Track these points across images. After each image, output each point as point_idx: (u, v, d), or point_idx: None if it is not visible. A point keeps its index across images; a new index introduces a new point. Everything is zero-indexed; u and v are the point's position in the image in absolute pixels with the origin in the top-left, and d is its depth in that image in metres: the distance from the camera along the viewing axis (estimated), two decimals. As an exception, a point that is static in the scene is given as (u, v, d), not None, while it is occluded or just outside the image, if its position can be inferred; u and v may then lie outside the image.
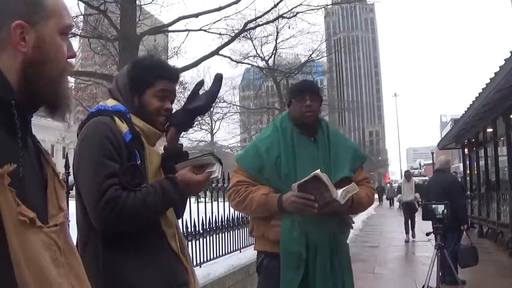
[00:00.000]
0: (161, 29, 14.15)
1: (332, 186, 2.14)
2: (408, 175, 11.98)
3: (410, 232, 10.98)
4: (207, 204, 4.31)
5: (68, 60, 1.01)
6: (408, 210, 11.13)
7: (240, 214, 5.06)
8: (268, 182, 2.29)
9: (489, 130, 11.10)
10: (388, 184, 40.19)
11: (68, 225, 1.04)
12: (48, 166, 1.01)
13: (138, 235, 1.49)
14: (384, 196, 35.44)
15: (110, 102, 1.63)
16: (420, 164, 54.13)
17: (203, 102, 1.72)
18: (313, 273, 2.19)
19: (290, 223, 2.20)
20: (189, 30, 13.21)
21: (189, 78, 29.28)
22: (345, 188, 2.18)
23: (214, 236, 4.59)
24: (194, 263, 4.19)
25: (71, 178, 1.91)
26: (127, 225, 1.46)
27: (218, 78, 1.80)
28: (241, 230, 5.22)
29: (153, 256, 1.53)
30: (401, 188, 12.39)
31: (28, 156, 0.93)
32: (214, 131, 30.90)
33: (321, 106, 2.55)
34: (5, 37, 0.92)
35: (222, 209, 4.65)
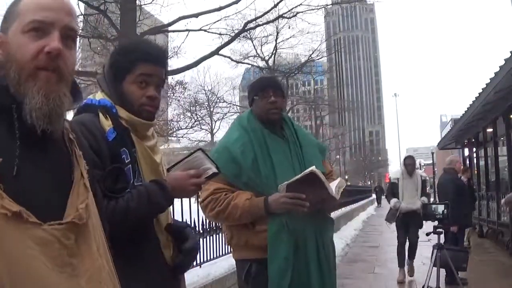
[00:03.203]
0: (161, 29, 14.15)
1: (327, 182, 2.10)
2: (409, 165, 6.48)
3: (407, 265, 6.54)
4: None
5: (47, 54, 0.96)
6: (406, 226, 6.42)
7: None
8: (246, 186, 2.17)
9: (489, 130, 11.10)
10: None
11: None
12: (77, 169, 1.02)
13: (130, 243, 1.38)
14: (383, 196, 34.87)
15: (98, 96, 1.53)
16: (420, 164, 54.09)
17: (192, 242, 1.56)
18: (306, 272, 2.13)
19: (278, 225, 2.11)
20: (189, 30, 13.21)
21: (189, 78, 29.32)
22: (336, 184, 2.17)
23: (214, 236, 4.59)
24: (194, 263, 4.18)
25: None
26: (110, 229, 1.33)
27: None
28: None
29: (143, 269, 1.42)
30: (397, 187, 6.45)
31: (38, 157, 0.95)
32: (214, 131, 30.88)
33: (285, 103, 2.43)
34: None
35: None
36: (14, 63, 0.96)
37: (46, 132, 0.96)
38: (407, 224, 6.38)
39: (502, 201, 3.71)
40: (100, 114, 1.44)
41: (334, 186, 2.13)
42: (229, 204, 2.12)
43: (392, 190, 6.57)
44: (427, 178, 7.22)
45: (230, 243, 2.32)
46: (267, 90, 2.27)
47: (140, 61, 1.48)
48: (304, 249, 2.13)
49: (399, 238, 6.55)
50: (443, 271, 5.08)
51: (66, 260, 0.91)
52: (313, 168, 2.07)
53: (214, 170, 1.55)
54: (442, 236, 4.94)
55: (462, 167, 7.90)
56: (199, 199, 2.32)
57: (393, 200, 6.44)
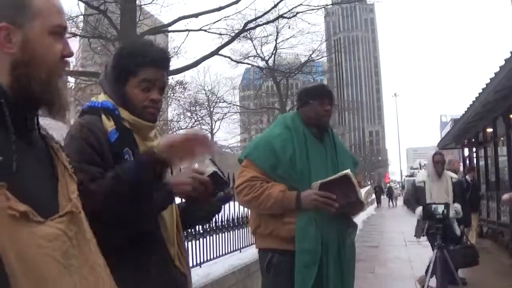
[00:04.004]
0: (161, 29, 14.17)
1: (358, 187, 2.22)
2: (438, 163, 5.36)
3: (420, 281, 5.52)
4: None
5: (63, 59, 1.01)
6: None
7: (240, 214, 5.06)
8: (281, 179, 2.29)
9: (489, 130, 11.10)
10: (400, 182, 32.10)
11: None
12: (58, 161, 1.02)
13: (135, 241, 1.39)
14: (383, 196, 34.81)
15: (101, 97, 1.54)
16: (420, 164, 54.10)
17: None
18: (326, 269, 2.22)
19: (307, 220, 2.23)
20: (189, 30, 13.23)
21: (189, 78, 29.29)
22: (366, 190, 2.25)
23: (214, 236, 4.59)
24: (194, 263, 4.18)
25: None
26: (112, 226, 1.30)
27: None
28: (241, 230, 5.22)
29: (148, 264, 1.43)
30: (422, 191, 5.35)
31: (30, 153, 0.95)
32: (214, 131, 30.89)
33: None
34: None
35: (222, 209, 4.64)
36: (44, 64, 0.97)
37: (31, 127, 0.99)
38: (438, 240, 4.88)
39: (506, 195, 3.65)
40: (103, 116, 1.47)
41: (363, 191, 2.22)
42: (264, 192, 2.25)
43: (417, 196, 5.36)
44: (460, 179, 6.31)
45: (255, 231, 2.42)
46: (325, 97, 2.43)
47: (145, 66, 1.49)
48: (327, 247, 2.23)
49: (433, 248, 5.07)
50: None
51: (74, 253, 0.92)
52: (347, 171, 2.21)
53: (214, 169, 1.52)
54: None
55: (461, 167, 7.88)
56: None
57: (419, 209, 5.06)
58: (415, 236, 5.56)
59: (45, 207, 0.90)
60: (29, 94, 0.96)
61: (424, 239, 5.56)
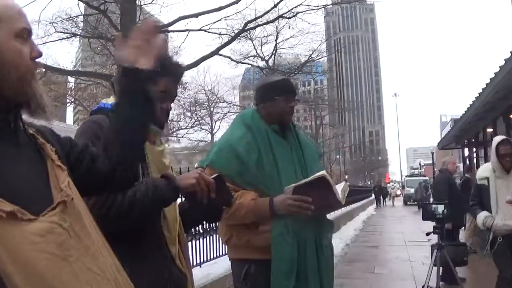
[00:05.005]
0: (161, 29, 14.13)
1: (335, 187, 2.11)
2: (506, 156, 3.71)
3: None
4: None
5: (33, 60, 1.03)
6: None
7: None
8: (249, 185, 2.14)
9: (489, 130, 11.10)
10: (423, 181, 28.62)
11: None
12: (46, 156, 1.04)
13: (137, 239, 1.42)
14: (387, 198, 34.17)
15: (110, 100, 1.60)
16: (420, 164, 54.13)
17: None
18: (305, 273, 2.13)
19: (283, 227, 2.10)
20: (189, 30, 13.22)
21: (189, 78, 29.26)
22: (342, 188, 2.18)
23: (214, 236, 4.59)
24: (194, 263, 4.19)
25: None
26: (116, 223, 1.35)
27: None
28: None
29: (148, 264, 1.45)
30: (486, 192, 3.84)
31: (17, 154, 0.97)
32: (214, 131, 30.89)
33: None
34: None
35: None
36: (14, 68, 0.99)
37: (15, 128, 1.01)
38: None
39: (509, 197, 3.55)
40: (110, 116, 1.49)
41: (339, 190, 2.14)
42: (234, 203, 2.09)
43: (480, 196, 4.01)
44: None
45: (228, 243, 2.29)
46: (291, 94, 2.30)
47: (165, 76, 1.56)
48: (304, 251, 2.13)
49: (502, 271, 3.77)
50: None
51: (72, 243, 0.92)
52: (323, 172, 2.08)
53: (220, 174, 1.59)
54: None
55: (456, 167, 7.88)
56: None
57: (482, 215, 3.88)
58: (480, 251, 4.33)
59: (38, 204, 0.91)
60: (3, 98, 0.98)
61: (425, 238, 5.56)
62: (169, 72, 1.57)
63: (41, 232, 0.87)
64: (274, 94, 2.26)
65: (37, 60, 1.04)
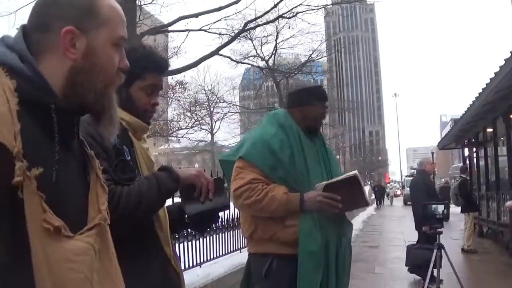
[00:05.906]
0: (161, 29, 14.14)
1: (364, 188, 2.23)
2: None
3: None
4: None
5: (118, 71, 0.99)
6: None
7: (240, 214, 5.05)
8: (280, 180, 2.22)
9: (489, 130, 11.10)
10: (444, 181, 27.14)
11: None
12: (92, 170, 1.00)
13: (132, 240, 1.40)
14: (386, 198, 34.13)
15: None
16: (420, 164, 53.97)
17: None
18: (326, 271, 2.18)
19: (310, 222, 2.18)
20: (189, 30, 13.20)
21: (189, 78, 29.27)
22: (368, 190, 2.27)
23: (214, 236, 4.60)
24: (194, 263, 4.19)
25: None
26: (124, 218, 1.36)
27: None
28: (241, 230, 5.22)
29: (147, 264, 1.46)
30: None
31: (70, 160, 0.92)
32: (214, 131, 30.88)
33: None
34: (54, 41, 0.90)
35: (219, 217, 4.64)
36: (103, 74, 0.95)
37: (74, 134, 0.96)
38: None
39: (510, 202, 3.66)
40: None
41: (366, 192, 2.24)
42: (267, 195, 2.16)
43: None
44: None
45: (252, 236, 2.31)
46: (324, 101, 2.46)
47: (152, 71, 1.60)
48: (327, 248, 2.20)
49: None
50: (443, 271, 5.08)
51: (95, 266, 0.89)
52: (356, 172, 2.21)
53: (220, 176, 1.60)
54: (441, 236, 4.94)
55: (435, 168, 7.93)
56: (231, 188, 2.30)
57: None
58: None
59: (75, 219, 0.88)
60: (81, 102, 0.93)
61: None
62: (156, 68, 1.62)
63: (77, 251, 0.84)
64: (312, 99, 2.40)
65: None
